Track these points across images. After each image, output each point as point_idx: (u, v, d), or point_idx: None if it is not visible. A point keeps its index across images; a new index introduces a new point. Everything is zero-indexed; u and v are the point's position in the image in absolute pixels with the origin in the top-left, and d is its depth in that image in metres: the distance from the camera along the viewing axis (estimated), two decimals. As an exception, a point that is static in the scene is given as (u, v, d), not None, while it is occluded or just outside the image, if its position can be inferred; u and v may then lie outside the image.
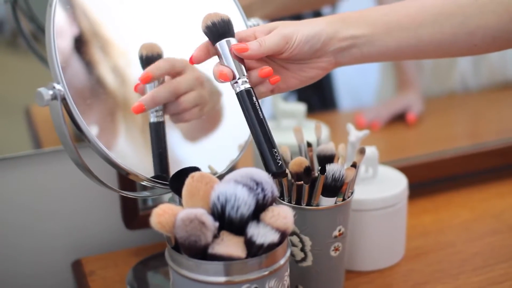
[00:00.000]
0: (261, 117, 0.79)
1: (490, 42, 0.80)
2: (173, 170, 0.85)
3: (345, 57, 0.82)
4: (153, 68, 0.84)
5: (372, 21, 0.81)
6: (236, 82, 0.79)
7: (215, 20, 0.80)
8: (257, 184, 0.73)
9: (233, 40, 0.80)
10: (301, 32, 0.79)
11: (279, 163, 0.77)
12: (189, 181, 0.74)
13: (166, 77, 0.86)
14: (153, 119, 0.86)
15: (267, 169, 0.77)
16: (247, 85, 0.79)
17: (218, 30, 0.80)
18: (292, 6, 1.35)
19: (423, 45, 0.81)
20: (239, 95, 0.79)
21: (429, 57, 0.84)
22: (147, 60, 0.85)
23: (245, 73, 0.80)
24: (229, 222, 0.72)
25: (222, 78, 0.79)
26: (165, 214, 0.71)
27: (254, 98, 0.79)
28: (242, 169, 0.75)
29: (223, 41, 0.80)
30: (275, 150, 0.78)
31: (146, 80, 0.83)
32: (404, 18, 0.80)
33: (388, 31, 0.80)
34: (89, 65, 0.82)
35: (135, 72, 0.85)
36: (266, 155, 0.78)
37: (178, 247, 0.73)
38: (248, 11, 0.97)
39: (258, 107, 0.79)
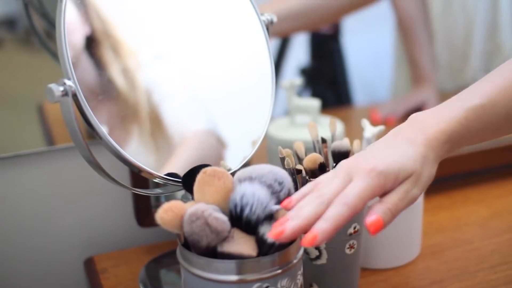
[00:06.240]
0: None
1: None
2: (187, 167, 0.84)
3: None
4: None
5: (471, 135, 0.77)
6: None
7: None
8: (280, 184, 0.72)
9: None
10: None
11: None
12: (201, 175, 0.73)
13: None
14: None
15: None
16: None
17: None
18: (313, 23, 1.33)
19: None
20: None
21: None
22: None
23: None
24: (247, 223, 0.70)
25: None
26: (169, 211, 0.70)
27: None
28: (265, 167, 0.73)
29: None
30: None
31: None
32: (496, 132, 0.77)
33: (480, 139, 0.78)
34: (100, 60, 0.81)
35: (149, 67, 0.84)
36: None
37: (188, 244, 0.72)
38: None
39: None
